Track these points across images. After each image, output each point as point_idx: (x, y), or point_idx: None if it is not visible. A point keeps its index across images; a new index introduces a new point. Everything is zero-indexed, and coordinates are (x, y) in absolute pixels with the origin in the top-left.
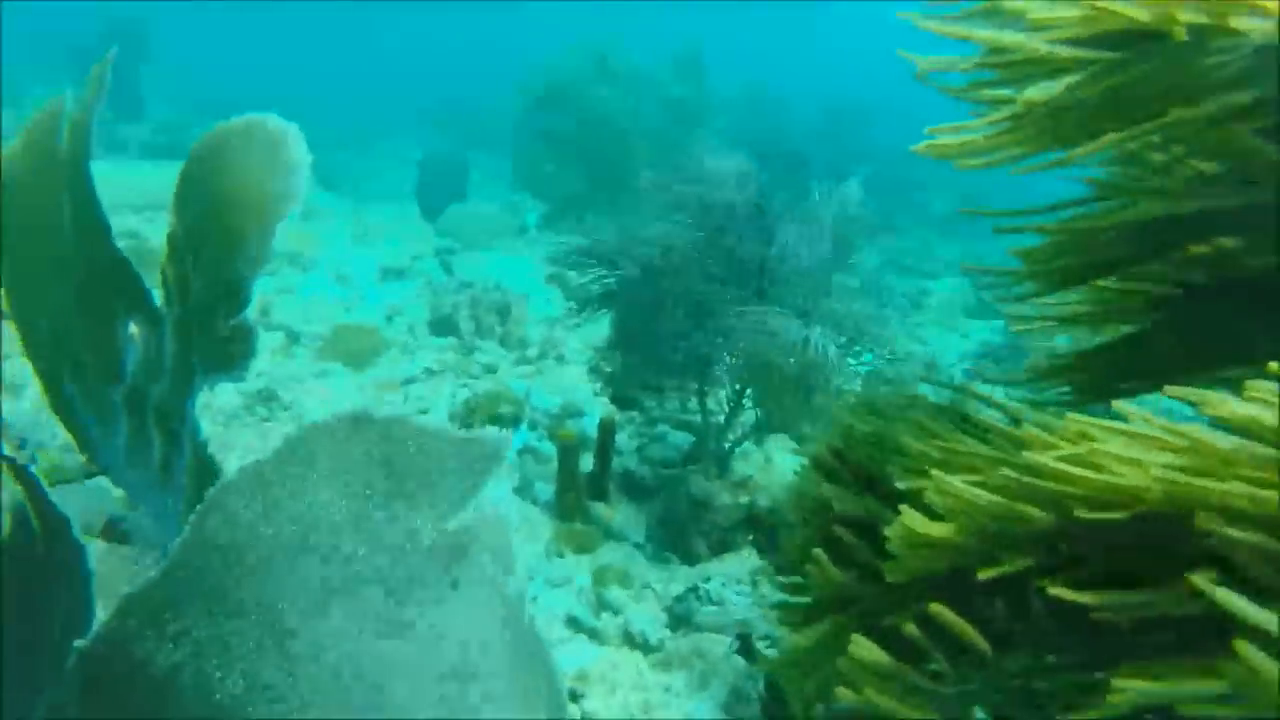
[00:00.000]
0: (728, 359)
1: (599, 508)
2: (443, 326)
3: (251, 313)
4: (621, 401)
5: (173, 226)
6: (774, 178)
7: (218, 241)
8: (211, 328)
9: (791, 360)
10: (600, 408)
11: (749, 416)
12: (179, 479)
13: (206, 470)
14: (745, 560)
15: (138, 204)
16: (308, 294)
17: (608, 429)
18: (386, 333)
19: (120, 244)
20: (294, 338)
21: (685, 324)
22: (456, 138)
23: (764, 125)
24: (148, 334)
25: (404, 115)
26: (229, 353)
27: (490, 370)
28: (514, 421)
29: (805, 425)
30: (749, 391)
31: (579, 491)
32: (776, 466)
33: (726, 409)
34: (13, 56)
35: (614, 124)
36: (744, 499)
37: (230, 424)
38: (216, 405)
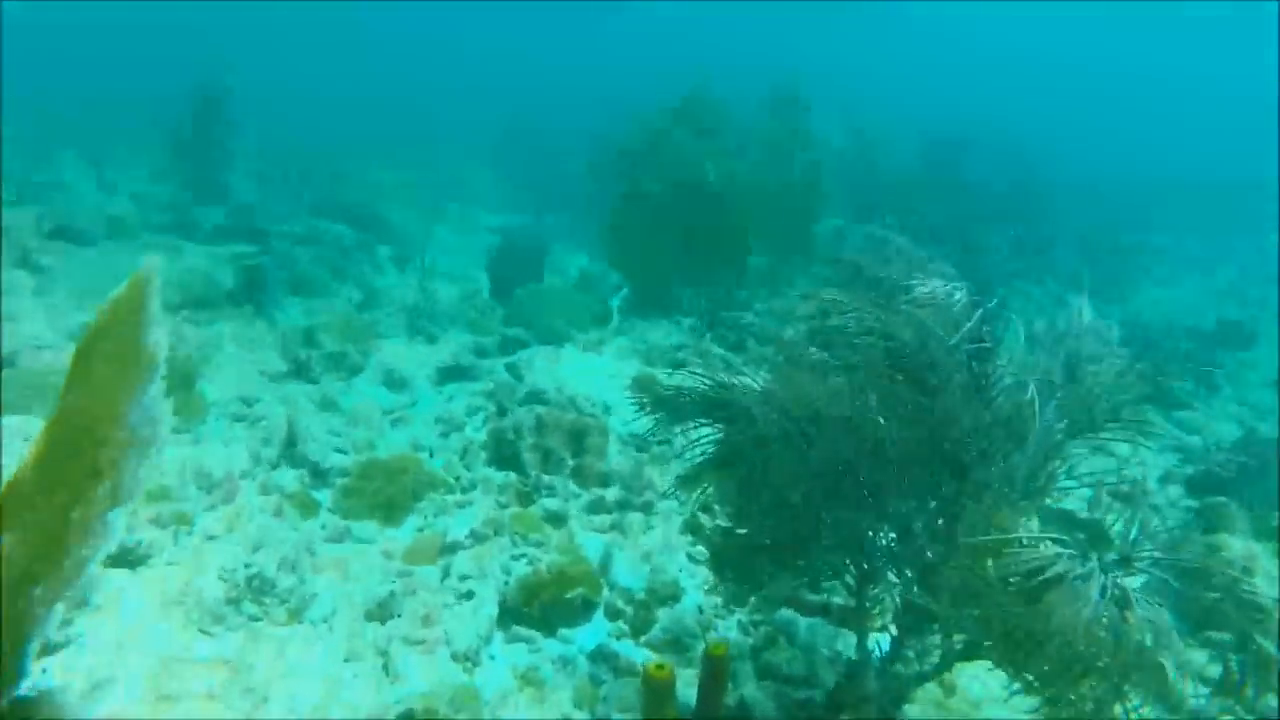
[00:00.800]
0: (909, 576)
1: None
2: (503, 457)
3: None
4: (728, 574)
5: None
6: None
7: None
8: None
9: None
10: (701, 584)
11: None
12: None
13: None
14: None
15: (172, 301)
16: (350, 403)
17: (718, 668)
18: (433, 462)
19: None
20: (319, 476)
21: (841, 501)
22: (534, 197)
23: (868, 171)
24: None
25: (480, 146)
26: None
27: (558, 522)
28: (585, 609)
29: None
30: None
31: None
32: (965, 699)
33: (895, 628)
34: (97, 126)
35: (711, 185)
36: None
37: (214, 626)
38: (194, 593)
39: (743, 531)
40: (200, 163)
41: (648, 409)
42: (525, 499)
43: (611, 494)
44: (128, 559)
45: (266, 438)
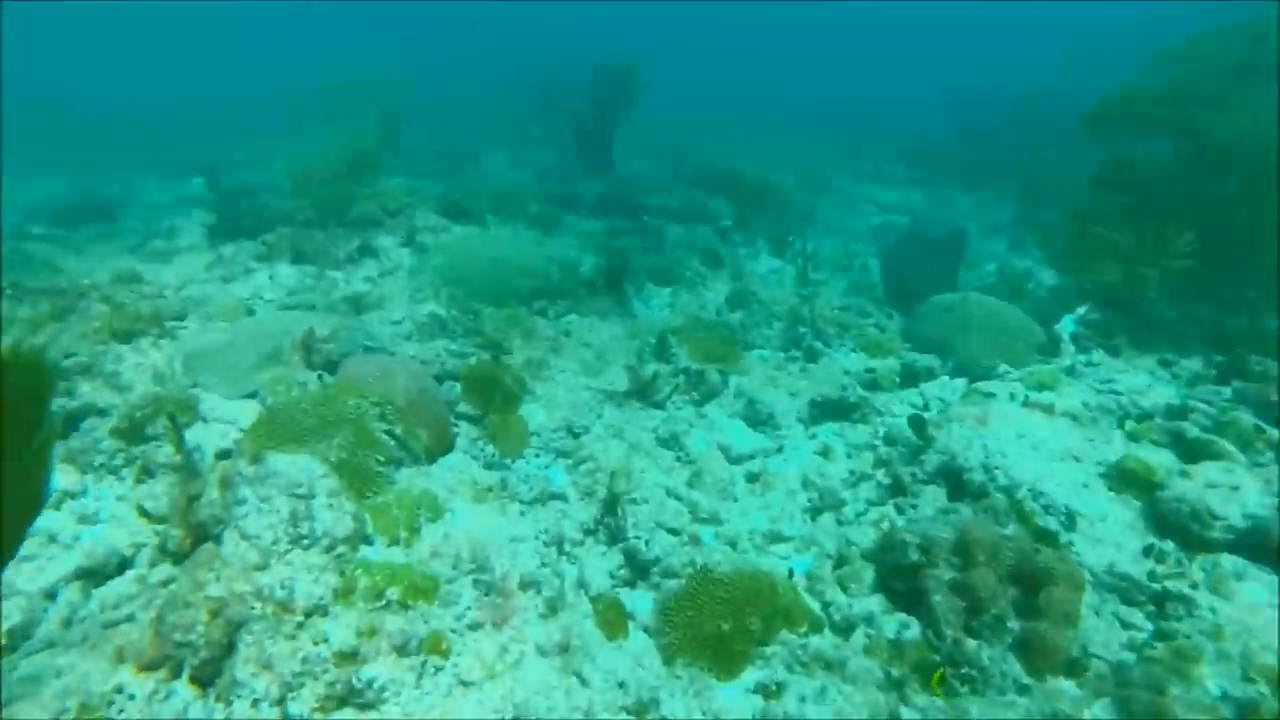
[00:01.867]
0: None
1: None
2: (899, 587)
3: None
4: None
5: None
6: None
7: None
8: None
9: None
10: None
11: None
12: None
13: None
14: None
15: (525, 290)
16: (698, 444)
17: None
18: (796, 566)
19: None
20: (639, 569)
21: None
22: (938, 170)
23: None
24: None
25: (871, 119)
26: None
27: None
28: None
29: None
30: None
31: None
32: None
33: None
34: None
35: (1255, 159)
36: None
37: None
38: None
39: None
40: (593, 138)
41: None
42: (931, 679)
43: (1092, 711)
44: (352, 700)
45: (587, 489)
